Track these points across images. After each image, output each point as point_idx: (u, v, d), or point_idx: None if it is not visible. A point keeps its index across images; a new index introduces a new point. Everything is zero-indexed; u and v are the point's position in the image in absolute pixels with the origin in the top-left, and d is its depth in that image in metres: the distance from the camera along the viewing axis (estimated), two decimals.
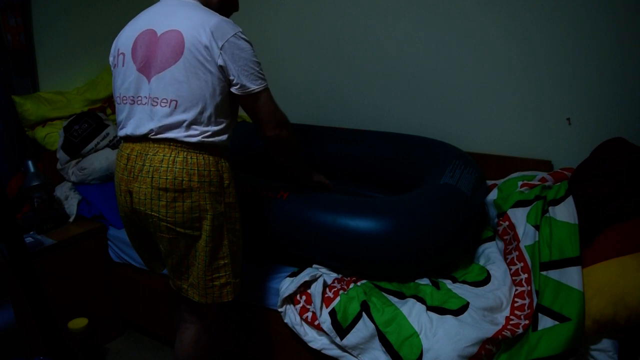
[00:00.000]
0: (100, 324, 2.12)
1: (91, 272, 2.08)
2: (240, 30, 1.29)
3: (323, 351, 1.47)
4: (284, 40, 2.48)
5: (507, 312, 1.37)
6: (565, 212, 1.43)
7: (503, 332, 1.28)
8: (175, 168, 1.25)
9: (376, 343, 1.37)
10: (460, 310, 1.36)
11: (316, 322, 1.46)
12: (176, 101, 1.26)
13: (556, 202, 1.48)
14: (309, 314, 1.49)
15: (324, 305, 1.47)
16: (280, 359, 1.65)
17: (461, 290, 1.45)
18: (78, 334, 1.90)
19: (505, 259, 1.52)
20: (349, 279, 1.55)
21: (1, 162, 2.13)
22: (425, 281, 1.53)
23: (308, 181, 1.74)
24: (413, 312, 1.36)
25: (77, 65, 2.43)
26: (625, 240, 1.31)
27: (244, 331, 1.73)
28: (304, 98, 2.49)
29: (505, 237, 1.54)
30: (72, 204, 2.13)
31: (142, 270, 1.98)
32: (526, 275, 1.40)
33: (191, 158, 1.27)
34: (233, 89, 1.30)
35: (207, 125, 1.28)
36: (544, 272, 1.35)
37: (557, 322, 1.26)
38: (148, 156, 1.27)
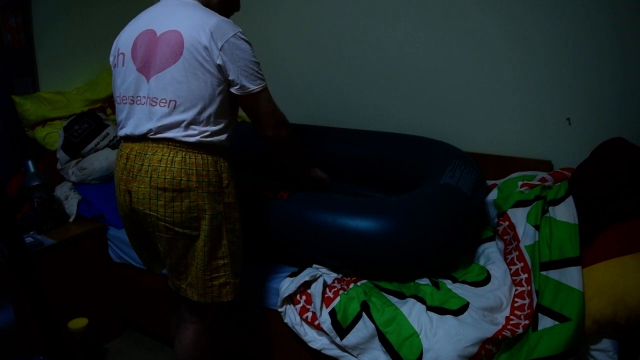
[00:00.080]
0: (100, 324, 2.12)
1: (91, 272, 2.08)
2: (240, 30, 1.29)
3: (323, 351, 1.47)
4: (284, 40, 2.48)
5: (507, 312, 1.37)
6: (565, 212, 1.43)
7: (503, 332, 1.28)
8: (174, 168, 1.26)
9: (376, 343, 1.37)
10: (460, 310, 1.36)
11: (316, 322, 1.46)
12: (175, 101, 1.26)
13: (556, 202, 1.48)
14: (309, 314, 1.49)
15: (324, 305, 1.47)
16: (280, 359, 1.65)
17: (461, 290, 1.45)
18: (78, 334, 1.90)
19: (505, 259, 1.52)
20: (349, 279, 1.55)
21: (1, 162, 2.13)
22: (425, 281, 1.53)
23: (308, 180, 1.74)
24: (413, 312, 1.36)
25: (77, 65, 2.43)
26: (625, 240, 1.31)
27: (244, 331, 1.73)
28: (304, 98, 2.49)
29: (505, 237, 1.54)
30: (72, 204, 2.13)
31: (142, 270, 1.98)
32: (526, 275, 1.40)
33: (189, 158, 1.27)
34: (233, 89, 1.31)
35: (206, 125, 1.29)
36: (544, 272, 1.35)
37: (557, 322, 1.26)
38: (147, 156, 1.27)
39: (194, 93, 1.26)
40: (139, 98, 1.31)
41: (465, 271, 1.57)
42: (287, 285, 1.54)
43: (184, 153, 1.27)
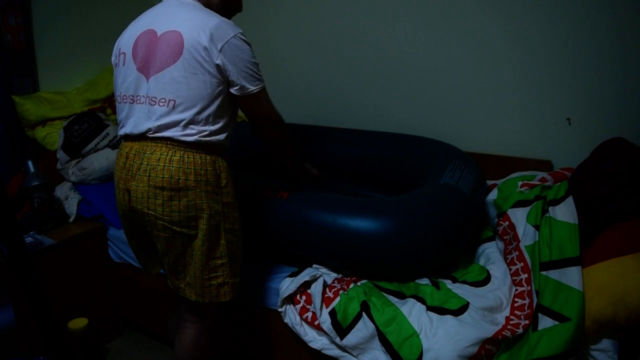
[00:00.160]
0: (100, 324, 2.12)
1: (91, 272, 2.08)
2: (241, 31, 1.30)
3: (323, 351, 1.47)
4: (284, 40, 2.48)
5: (507, 312, 1.37)
6: (565, 212, 1.43)
7: (503, 332, 1.28)
8: (172, 167, 1.26)
9: (376, 343, 1.37)
10: (460, 310, 1.36)
11: (316, 322, 1.46)
12: (174, 101, 1.27)
13: (556, 202, 1.48)
14: (309, 314, 1.49)
15: (324, 305, 1.47)
16: (280, 359, 1.65)
17: (461, 290, 1.45)
18: (78, 334, 1.90)
19: (505, 259, 1.52)
20: (349, 279, 1.55)
21: (1, 162, 2.13)
22: (425, 281, 1.53)
23: (307, 179, 1.74)
24: (413, 312, 1.36)
25: (77, 65, 2.43)
26: (625, 240, 1.31)
27: (244, 331, 1.73)
28: (304, 98, 2.49)
29: (505, 237, 1.54)
30: (72, 204, 2.13)
31: (142, 270, 1.98)
32: (526, 275, 1.40)
33: (188, 157, 1.28)
34: (232, 90, 1.31)
35: (205, 124, 1.29)
36: (544, 272, 1.35)
37: (557, 322, 1.26)
38: (146, 155, 1.28)
39: (194, 93, 1.26)
40: (138, 97, 1.31)
41: (465, 271, 1.57)
42: (287, 285, 1.54)
43: (182, 152, 1.28)
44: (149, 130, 1.28)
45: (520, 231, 1.47)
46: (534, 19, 1.82)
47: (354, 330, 1.39)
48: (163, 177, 1.26)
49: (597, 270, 1.30)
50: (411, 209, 1.49)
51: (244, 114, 1.44)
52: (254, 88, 1.32)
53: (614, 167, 1.41)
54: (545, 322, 1.28)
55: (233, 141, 1.45)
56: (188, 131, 1.28)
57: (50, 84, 2.32)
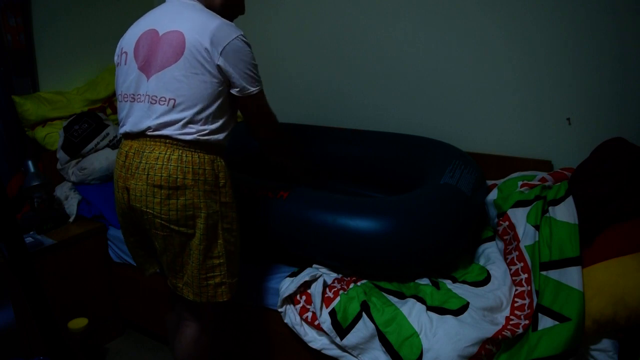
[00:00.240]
0: (100, 324, 2.12)
1: (91, 272, 2.08)
2: (242, 33, 1.31)
3: (323, 351, 1.47)
4: (284, 40, 2.48)
5: (507, 312, 1.37)
6: (565, 212, 1.43)
7: (503, 332, 1.28)
8: (170, 166, 1.27)
9: (376, 343, 1.37)
10: (460, 310, 1.36)
11: (316, 322, 1.46)
12: (174, 100, 1.27)
13: (556, 202, 1.48)
14: (309, 314, 1.49)
15: (324, 305, 1.47)
16: (280, 359, 1.65)
17: (461, 290, 1.45)
18: (78, 334, 1.90)
19: (505, 259, 1.52)
20: (349, 279, 1.55)
21: (1, 162, 2.13)
22: (425, 281, 1.53)
23: (308, 179, 1.75)
24: (413, 312, 1.36)
25: (77, 65, 2.43)
26: (625, 240, 1.31)
27: (244, 331, 1.73)
28: (304, 98, 2.49)
29: (505, 237, 1.54)
30: (72, 204, 2.13)
31: None
32: (526, 275, 1.40)
33: (186, 156, 1.28)
34: (233, 91, 1.33)
35: (204, 124, 1.30)
36: (544, 272, 1.35)
37: (557, 322, 1.26)
38: (145, 154, 1.29)
39: (194, 92, 1.27)
40: (139, 96, 1.32)
41: (465, 271, 1.57)
42: (287, 285, 1.54)
43: (180, 151, 1.28)
44: (149, 128, 1.29)
45: (520, 231, 1.47)
46: (534, 19, 1.82)
47: (354, 330, 1.39)
48: (161, 176, 1.26)
49: (597, 270, 1.30)
50: (411, 209, 1.49)
51: (241, 115, 1.45)
52: (254, 89, 1.34)
53: (614, 167, 1.40)
54: (545, 322, 1.28)
55: (232, 142, 1.45)
56: (187, 130, 1.28)
57: (50, 84, 2.32)
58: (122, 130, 1.38)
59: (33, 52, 2.23)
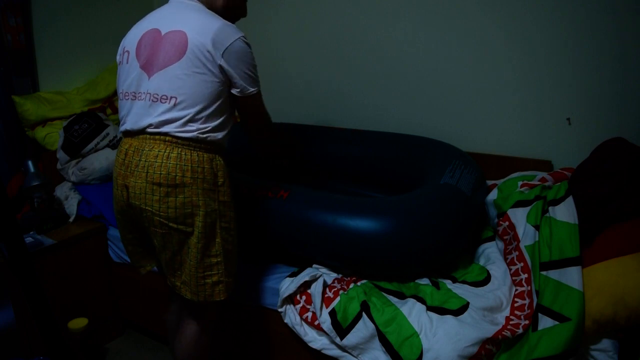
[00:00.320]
0: (100, 324, 2.12)
1: (91, 272, 2.09)
2: (243, 35, 1.33)
3: (323, 351, 1.47)
4: (284, 40, 2.48)
5: (507, 312, 1.37)
6: (565, 212, 1.43)
7: (503, 332, 1.28)
8: (169, 163, 1.27)
9: (376, 343, 1.37)
10: (460, 310, 1.36)
11: (316, 322, 1.46)
12: (175, 98, 1.28)
13: (556, 202, 1.48)
14: (309, 314, 1.49)
15: (324, 305, 1.47)
16: (280, 359, 1.65)
17: (461, 290, 1.45)
18: (78, 334, 1.90)
19: (505, 259, 1.52)
20: (349, 279, 1.55)
21: (1, 162, 2.13)
22: (425, 281, 1.53)
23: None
24: (413, 312, 1.36)
25: (77, 65, 2.43)
26: (625, 240, 1.31)
27: (244, 331, 1.73)
28: (304, 98, 2.49)
29: (505, 237, 1.54)
30: (72, 204, 2.13)
31: None
32: (526, 275, 1.40)
33: (185, 154, 1.29)
34: (234, 91, 1.34)
35: (204, 123, 1.31)
36: (544, 272, 1.35)
37: (557, 322, 1.26)
38: (144, 152, 1.30)
39: (195, 91, 1.28)
40: (140, 94, 1.33)
41: (465, 271, 1.57)
42: (287, 285, 1.54)
43: (179, 149, 1.29)
44: (150, 125, 1.30)
45: (520, 231, 1.47)
46: (534, 19, 1.82)
47: (354, 330, 1.39)
48: (160, 174, 1.27)
49: (597, 270, 1.30)
50: (411, 209, 1.49)
51: (238, 114, 1.46)
52: (254, 90, 1.36)
53: (614, 167, 1.40)
54: (545, 322, 1.28)
55: (231, 142, 1.46)
56: (187, 128, 1.29)
57: (50, 84, 2.32)
58: (122, 128, 1.38)
59: (33, 52, 2.23)
